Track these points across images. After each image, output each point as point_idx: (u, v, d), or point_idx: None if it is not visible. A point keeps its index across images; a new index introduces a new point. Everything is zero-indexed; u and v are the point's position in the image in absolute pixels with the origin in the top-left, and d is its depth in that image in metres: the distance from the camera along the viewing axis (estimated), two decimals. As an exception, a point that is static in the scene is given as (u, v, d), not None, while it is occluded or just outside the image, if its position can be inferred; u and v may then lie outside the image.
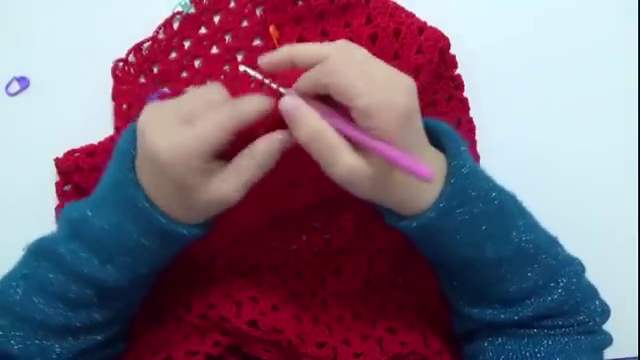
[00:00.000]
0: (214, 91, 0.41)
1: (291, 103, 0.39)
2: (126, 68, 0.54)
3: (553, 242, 0.46)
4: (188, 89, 0.42)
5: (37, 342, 0.41)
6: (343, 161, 0.38)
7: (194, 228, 0.42)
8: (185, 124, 0.39)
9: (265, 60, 0.42)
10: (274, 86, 0.41)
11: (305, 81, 0.40)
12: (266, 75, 0.42)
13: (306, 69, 0.40)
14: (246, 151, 0.40)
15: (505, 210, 0.43)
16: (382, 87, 0.38)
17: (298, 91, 0.40)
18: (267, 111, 0.40)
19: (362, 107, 0.37)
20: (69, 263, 0.41)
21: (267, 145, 0.40)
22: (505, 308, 0.44)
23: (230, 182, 0.39)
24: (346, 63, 0.38)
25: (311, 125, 0.38)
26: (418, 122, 0.40)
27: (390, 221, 0.44)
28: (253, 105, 0.40)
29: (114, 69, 0.54)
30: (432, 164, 0.40)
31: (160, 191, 0.40)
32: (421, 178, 0.36)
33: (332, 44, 0.41)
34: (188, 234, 0.41)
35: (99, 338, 0.44)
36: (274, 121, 0.41)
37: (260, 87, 0.42)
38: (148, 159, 0.39)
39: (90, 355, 0.44)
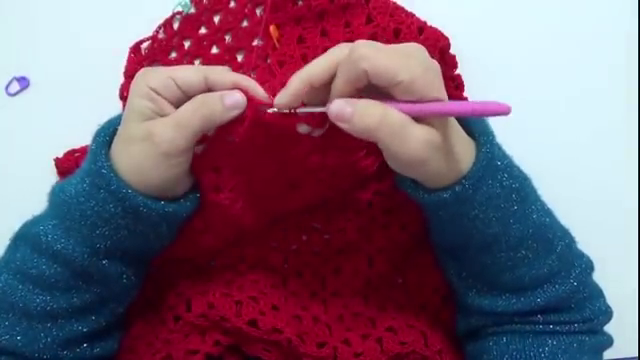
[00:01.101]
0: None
1: (342, 103, 0.38)
2: (137, 67, 0.54)
3: (567, 233, 0.47)
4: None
5: (23, 331, 0.42)
6: (416, 134, 0.38)
7: (169, 205, 0.41)
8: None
9: (282, 100, 0.40)
10: (316, 110, 0.40)
11: (339, 83, 0.39)
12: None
13: None
14: (196, 96, 0.40)
15: (527, 189, 0.44)
16: (413, 58, 0.38)
17: (337, 96, 0.39)
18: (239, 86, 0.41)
19: (406, 81, 0.37)
20: (42, 241, 0.41)
21: (220, 95, 0.40)
22: (517, 297, 0.44)
23: (167, 119, 0.39)
24: (371, 48, 0.38)
25: (375, 112, 0.38)
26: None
27: (419, 197, 0.43)
28: (234, 77, 0.41)
29: (127, 67, 0.54)
30: (460, 139, 0.41)
31: (118, 146, 0.41)
32: (502, 112, 0.36)
33: (335, 48, 0.40)
34: (141, 203, 0.40)
35: (84, 329, 0.44)
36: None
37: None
38: (128, 107, 0.40)
39: (77, 348, 0.44)
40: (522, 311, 0.44)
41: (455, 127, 0.41)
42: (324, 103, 0.40)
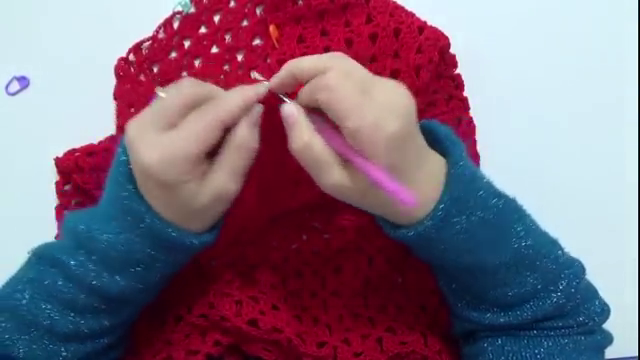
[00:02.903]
0: (186, 86, 0.40)
1: (288, 111, 0.40)
2: (128, 67, 0.54)
3: (553, 245, 0.46)
4: (159, 91, 0.40)
5: (43, 346, 0.41)
6: (329, 176, 0.39)
7: (204, 236, 0.42)
8: (168, 129, 0.38)
9: (275, 81, 0.41)
10: (282, 97, 0.41)
11: (302, 94, 0.40)
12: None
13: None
14: (229, 138, 0.40)
15: (504, 216, 0.43)
16: (374, 109, 0.37)
17: (299, 102, 0.40)
18: (252, 102, 0.40)
19: (350, 128, 0.37)
20: (76, 274, 0.41)
21: (244, 124, 0.40)
22: (504, 312, 0.44)
23: (222, 173, 0.39)
24: (342, 80, 0.37)
25: (303, 137, 0.38)
26: (412, 143, 0.40)
27: (386, 229, 0.44)
28: (235, 100, 0.39)
29: (117, 68, 0.54)
30: (423, 185, 0.40)
31: (163, 203, 0.40)
32: (404, 204, 0.36)
33: (330, 57, 0.40)
34: (198, 243, 0.42)
35: (106, 342, 0.44)
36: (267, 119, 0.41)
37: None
38: (142, 174, 0.39)
39: (95, 358, 0.44)
40: (511, 324, 0.44)
41: (416, 169, 0.40)
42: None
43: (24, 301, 0.41)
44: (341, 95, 0.37)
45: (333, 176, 0.39)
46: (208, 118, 0.38)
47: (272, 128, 0.41)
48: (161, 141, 0.38)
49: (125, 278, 0.41)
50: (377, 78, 0.40)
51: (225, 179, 0.39)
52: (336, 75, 0.38)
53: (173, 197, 0.39)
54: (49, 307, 0.41)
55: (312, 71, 0.39)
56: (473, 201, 0.41)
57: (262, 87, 0.41)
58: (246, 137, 0.39)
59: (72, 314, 0.41)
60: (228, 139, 0.40)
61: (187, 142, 0.37)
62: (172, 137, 0.38)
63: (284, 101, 0.41)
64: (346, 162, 0.39)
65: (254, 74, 0.43)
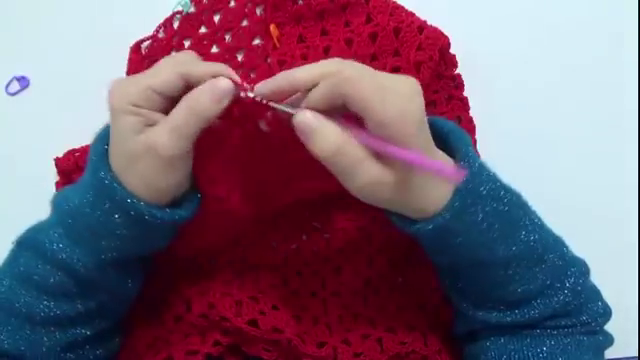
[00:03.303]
0: (181, 57, 0.41)
1: (309, 117, 0.38)
2: (138, 68, 0.54)
3: (559, 242, 0.46)
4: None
5: (25, 335, 0.41)
6: (368, 173, 0.38)
7: (157, 209, 0.40)
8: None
9: (262, 89, 0.39)
10: (287, 110, 0.39)
11: (316, 95, 0.38)
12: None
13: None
14: (183, 97, 0.39)
15: (513, 209, 0.43)
16: (395, 96, 0.37)
17: (309, 106, 0.39)
18: (220, 75, 0.39)
19: (380, 117, 0.36)
20: (47, 249, 0.41)
21: (205, 88, 0.38)
22: (511, 310, 0.44)
23: (161, 127, 0.38)
24: (358, 74, 0.37)
25: (333, 141, 0.37)
26: (427, 125, 0.40)
27: (402, 226, 0.43)
28: (207, 66, 0.40)
29: (129, 68, 0.54)
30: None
31: (113, 150, 0.40)
32: (453, 179, 0.36)
33: (329, 60, 0.39)
34: (148, 213, 0.40)
35: (87, 333, 0.44)
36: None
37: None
38: (110, 112, 0.39)
39: (81, 350, 0.44)
40: (518, 323, 0.44)
41: (435, 153, 0.41)
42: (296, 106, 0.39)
43: (3, 289, 0.42)
44: (365, 85, 0.37)
45: (371, 171, 0.38)
46: (176, 66, 0.39)
47: (256, 128, 0.41)
48: (131, 77, 0.39)
49: (89, 251, 0.41)
50: (383, 72, 0.40)
51: (161, 133, 0.38)
52: (353, 69, 0.37)
53: (115, 131, 0.39)
54: (24, 292, 0.41)
55: (315, 77, 0.38)
56: (485, 192, 0.41)
57: (233, 75, 0.40)
58: (200, 101, 0.38)
59: (45, 297, 0.41)
60: (183, 98, 0.39)
61: (150, 76, 0.39)
62: (141, 74, 0.39)
63: (271, 107, 0.39)
64: (377, 156, 0.38)
65: (249, 94, 0.40)
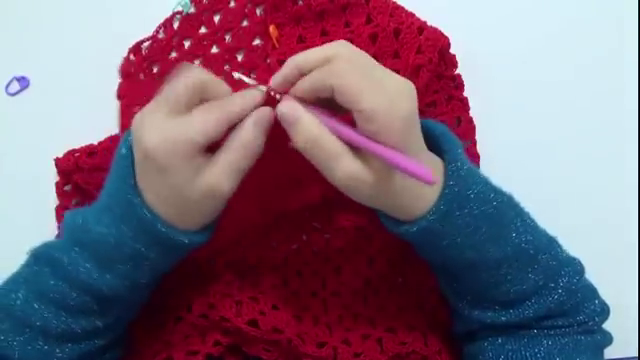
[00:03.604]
0: (195, 73, 0.40)
1: (288, 107, 0.39)
2: (132, 67, 0.54)
3: (552, 242, 0.46)
4: (168, 79, 0.40)
5: (38, 347, 0.41)
6: (343, 167, 0.38)
7: (194, 235, 0.42)
8: (174, 115, 0.38)
9: (277, 79, 0.40)
10: (272, 93, 0.40)
11: (307, 83, 0.39)
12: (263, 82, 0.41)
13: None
14: (231, 136, 0.39)
15: (503, 211, 0.43)
16: (386, 91, 0.37)
17: (296, 95, 0.40)
18: (259, 104, 0.40)
19: (367, 110, 0.36)
20: (68, 271, 0.41)
21: (250, 125, 0.39)
22: (506, 310, 0.44)
23: (219, 168, 0.38)
24: (352, 65, 0.38)
25: (310, 130, 0.38)
26: (418, 126, 0.40)
27: (389, 226, 0.44)
28: (245, 100, 0.39)
29: (123, 67, 0.54)
30: (432, 168, 0.40)
31: (157, 194, 0.40)
32: (424, 181, 0.36)
33: (335, 45, 0.40)
34: (188, 242, 0.41)
35: (101, 343, 0.44)
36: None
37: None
38: (142, 155, 0.38)
39: (91, 358, 0.44)
40: (512, 322, 0.44)
41: (421, 153, 0.41)
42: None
43: (18, 301, 0.41)
44: (353, 79, 0.37)
45: (347, 166, 0.38)
46: (216, 111, 0.38)
47: (271, 131, 0.41)
48: (166, 125, 0.38)
49: (115, 276, 0.41)
50: (380, 65, 0.40)
51: (220, 175, 0.38)
52: (345, 60, 0.38)
53: (166, 185, 0.38)
54: (42, 307, 0.41)
55: (318, 60, 0.39)
56: (473, 195, 0.41)
57: (261, 90, 0.40)
58: (250, 137, 0.39)
59: (64, 314, 0.41)
60: (231, 136, 0.39)
61: (191, 129, 0.37)
62: (178, 122, 0.38)
63: (279, 100, 0.40)
64: (356, 151, 0.38)
65: (237, 75, 0.42)
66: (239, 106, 0.39)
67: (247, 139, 0.39)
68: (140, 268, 0.42)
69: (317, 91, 0.38)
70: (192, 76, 0.39)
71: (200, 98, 0.39)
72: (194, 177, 0.38)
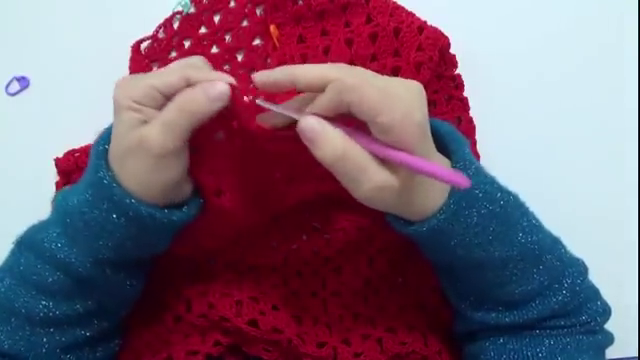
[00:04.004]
0: (194, 61, 0.42)
1: (313, 123, 0.38)
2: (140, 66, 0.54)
3: (556, 243, 0.46)
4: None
5: (25, 337, 0.41)
6: (373, 179, 0.37)
7: (154, 210, 0.40)
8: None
9: (259, 78, 0.40)
10: (291, 114, 0.39)
11: (323, 102, 0.38)
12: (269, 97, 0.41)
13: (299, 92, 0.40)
14: (177, 94, 0.39)
15: (510, 210, 0.43)
16: (400, 101, 0.37)
17: (314, 112, 0.39)
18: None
19: (385, 123, 0.36)
20: (46, 249, 0.41)
21: (196, 89, 0.38)
22: (510, 311, 0.44)
23: (155, 124, 0.38)
24: (362, 80, 0.37)
25: (338, 147, 0.37)
26: (429, 129, 0.40)
27: (397, 227, 0.43)
28: (215, 75, 0.40)
29: (132, 63, 0.54)
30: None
31: (116, 159, 0.40)
32: (459, 184, 0.36)
33: (332, 65, 0.40)
34: (146, 213, 0.40)
35: (87, 334, 0.44)
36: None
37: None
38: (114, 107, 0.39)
39: (80, 352, 0.44)
40: (516, 323, 0.44)
41: (435, 157, 0.41)
42: (299, 110, 0.39)
43: (3, 289, 0.42)
44: (370, 92, 0.37)
45: (377, 177, 0.38)
46: (182, 69, 0.40)
47: (262, 129, 0.41)
48: (138, 75, 0.40)
49: (87, 251, 0.41)
50: (383, 76, 0.40)
51: (155, 129, 0.38)
52: (355, 76, 0.37)
53: (115, 125, 0.39)
54: (23, 292, 0.41)
55: (317, 79, 0.38)
56: (482, 194, 0.41)
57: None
58: (193, 98, 0.38)
59: (44, 297, 0.41)
60: (176, 95, 0.39)
61: (153, 76, 0.39)
62: (149, 73, 0.40)
63: (264, 107, 0.40)
64: (380, 162, 0.38)
65: (258, 101, 0.41)
66: (204, 76, 0.39)
67: (187, 99, 0.38)
68: (112, 243, 0.41)
69: (336, 108, 0.38)
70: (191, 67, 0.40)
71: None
72: (137, 127, 0.38)
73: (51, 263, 0.41)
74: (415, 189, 0.39)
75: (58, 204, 0.43)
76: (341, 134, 0.38)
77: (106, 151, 0.41)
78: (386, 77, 0.40)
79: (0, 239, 0.45)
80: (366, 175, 0.37)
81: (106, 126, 0.43)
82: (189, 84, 0.39)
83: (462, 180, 0.36)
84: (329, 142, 0.37)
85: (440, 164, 0.37)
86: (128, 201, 0.39)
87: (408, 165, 0.37)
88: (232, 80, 0.39)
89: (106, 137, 0.41)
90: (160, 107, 0.39)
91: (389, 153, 0.37)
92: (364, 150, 0.38)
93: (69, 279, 0.41)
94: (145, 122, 0.39)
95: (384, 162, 0.38)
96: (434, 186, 0.40)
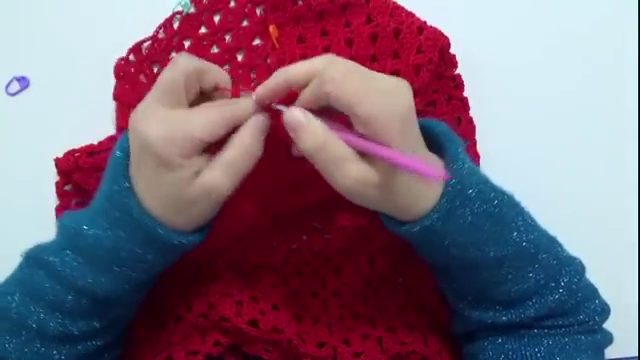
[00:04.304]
0: (182, 61, 0.40)
1: (296, 114, 0.39)
2: (128, 67, 0.54)
3: (553, 242, 0.46)
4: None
5: (35, 349, 0.41)
6: (350, 171, 0.38)
7: (191, 236, 0.42)
8: (174, 107, 0.39)
9: (262, 90, 0.41)
10: (277, 107, 0.40)
11: (306, 95, 0.39)
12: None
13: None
14: (232, 138, 0.40)
15: (504, 210, 0.43)
16: (381, 93, 0.38)
17: (300, 105, 0.40)
18: (261, 108, 0.41)
19: (364, 114, 0.37)
20: (62, 274, 0.41)
21: (250, 127, 0.40)
22: (507, 310, 0.44)
23: (218, 168, 0.39)
24: (343, 72, 0.38)
25: (318, 136, 0.38)
26: (416, 125, 0.40)
27: (391, 227, 0.44)
28: (245, 104, 0.40)
29: (116, 68, 0.54)
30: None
31: (152, 194, 0.39)
32: (434, 179, 0.36)
33: (320, 57, 0.40)
34: (186, 242, 0.41)
35: (99, 344, 0.44)
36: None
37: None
38: (140, 149, 0.38)
39: (89, 358, 0.44)
40: (513, 322, 0.44)
41: (421, 151, 0.41)
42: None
43: (14, 304, 0.41)
44: (349, 84, 0.37)
45: (354, 171, 0.38)
46: (218, 110, 0.39)
47: (270, 134, 0.41)
48: (168, 117, 0.38)
49: (111, 279, 0.41)
50: (371, 71, 0.40)
51: (219, 175, 0.39)
52: (338, 67, 0.38)
53: (163, 182, 0.38)
54: (37, 309, 0.41)
55: (306, 73, 0.39)
56: (475, 194, 0.41)
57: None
58: (250, 139, 0.39)
59: (60, 315, 0.41)
60: (232, 138, 0.39)
61: (192, 124, 0.38)
62: (178, 115, 0.38)
63: (275, 109, 0.41)
64: (361, 155, 0.38)
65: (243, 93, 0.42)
66: (241, 110, 0.40)
67: (248, 141, 0.39)
68: (136, 270, 0.42)
69: (317, 100, 0.39)
70: (179, 66, 0.39)
71: (199, 86, 0.40)
72: (192, 175, 0.38)
73: (71, 288, 0.41)
74: (400, 187, 0.39)
75: (70, 231, 0.42)
76: (322, 126, 0.38)
77: (126, 178, 0.40)
78: (373, 72, 0.40)
79: (0, 239, 0.45)
80: (344, 167, 0.38)
81: (115, 154, 0.42)
82: (233, 125, 0.40)
83: (438, 173, 0.36)
84: (310, 133, 0.38)
85: (420, 159, 0.37)
86: (171, 240, 0.40)
87: (382, 157, 0.37)
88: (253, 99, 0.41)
89: (120, 165, 0.41)
90: (200, 150, 0.39)
91: (364, 144, 0.37)
92: (344, 143, 0.38)
93: (91, 302, 0.41)
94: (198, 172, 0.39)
95: (364, 156, 0.38)
96: (426, 186, 0.40)
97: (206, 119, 0.38)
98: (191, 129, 0.38)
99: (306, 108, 0.39)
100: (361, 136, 0.38)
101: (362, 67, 0.40)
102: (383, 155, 0.37)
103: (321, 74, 0.38)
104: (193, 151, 0.38)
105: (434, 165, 0.37)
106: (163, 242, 0.40)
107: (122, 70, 0.54)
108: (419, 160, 0.37)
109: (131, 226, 0.40)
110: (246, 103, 0.40)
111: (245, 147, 0.39)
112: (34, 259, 0.43)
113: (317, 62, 0.39)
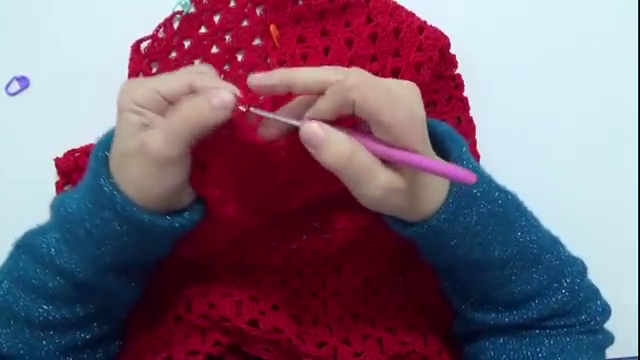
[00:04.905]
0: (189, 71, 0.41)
1: (316, 129, 0.37)
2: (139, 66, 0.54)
3: (555, 242, 0.46)
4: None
5: (24, 340, 0.41)
6: (379, 181, 0.37)
7: (156, 217, 0.40)
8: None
9: (255, 82, 0.39)
10: (290, 121, 0.39)
11: (323, 105, 0.38)
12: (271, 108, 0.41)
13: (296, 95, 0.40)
14: (178, 103, 0.39)
15: (508, 210, 0.43)
16: (401, 99, 0.37)
17: (315, 117, 0.38)
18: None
19: (389, 121, 0.36)
20: (45, 254, 0.41)
21: (202, 98, 0.38)
22: (509, 311, 0.44)
23: (157, 130, 0.38)
24: (364, 80, 0.37)
25: (344, 150, 0.37)
26: (426, 128, 0.40)
27: (397, 228, 0.43)
28: (218, 82, 0.40)
29: (131, 63, 0.54)
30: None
31: (115, 163, 0.39)
32: (465, 180, 0.36)
33: (328, 68, 0.39)
34: (148, 221, 0.39)
35: (87, 337, 0.44)
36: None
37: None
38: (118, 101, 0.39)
39: (80, 354, 0.44)
40: (515, 323, 0.44)
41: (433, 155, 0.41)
42: (297, 115, 0.39)
43: (1, 292, 0.42)
44: (373, 91, 0.37)
45: (383, 179, 0.37)
46: (187, 75, 0.40)
47: (245, 138, 0.41)
48: (142, 79, 0.40)
49: (81, 257, 0.41)
50: (378, 77, 0.40)
51: (156, 134, 0.37)
52: (358, 76, 0.37)
53: (118, 131, 0.39)
54: (23, 296, 0.41)
55: (316, 82, 0.38)
56: (480, 194, 0.41)
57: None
58: (197, 107, 0.38)
59: (44, 301, 0.41)
60: (181, 102, 0.38)
61: (157, 79, 0.39)
62: (154, 77, 0.40)
63: (274, 120, 0.39)
64: (384, 163, 0.38)
65: (252, 109, 0.40)
66: (208, 82, 0.39)
67: (192, 109, 0.38)
68: (120, 253, 0.41)
69: (340, 108, 0.37)
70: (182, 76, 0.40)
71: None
72: (139, 126, 0.38)
73: (51, 269, 0.41)
74: (419, 189, 0.39)
75: (57, 209, 0.43)
76: (345, 137, 0.37)
77: (106, 158, 0.40)
78: (384, 79, 0.40)
79: (0, 239, 0.45)
80: (373, 177, 0.37)
81: (107, 130, 0.42)
82: (193, 91, 0.39)
83: (469, 176, 0.36)
84: (334, 147, 0.37)
85: (449, 163, 0.38)
86: (129, 209, 0.39)
87: (415, 164, 0.37)
88: (237, 91, 0.39)
89: (105, 142, 0.41)
90: (162, 112, 0.39)
91: (394, 153, 0.37)
92: (369, 152, 0.38)
93: (70, 284, 0.41)
94: (146, 126, 0.38)
95: (386, 163, 0.38)
96: (434, 187, 0.40)
97: (172, 80, 0.39)
98: (155, 81, 0.39)
99: (320, 119, 0.38)
100: (381, 142, 0.38)
101: (374, 75, 0.39)
102: (413, 161, 0.37)
103: (342, 83, 0.37)
104: (150, 103, 0.38)
105: (462, 168, 0.37)
106: (124, 214, 0.39)
107: (136, 69, 0.54)
108: (447, 163, 0.37)
109: (97, 195, 0.40)
110: (220, 83, 0.39)
111: (189, 114, 0.37)
112: (23, 246, 0.43)
113: (328, 73, 0.38)
